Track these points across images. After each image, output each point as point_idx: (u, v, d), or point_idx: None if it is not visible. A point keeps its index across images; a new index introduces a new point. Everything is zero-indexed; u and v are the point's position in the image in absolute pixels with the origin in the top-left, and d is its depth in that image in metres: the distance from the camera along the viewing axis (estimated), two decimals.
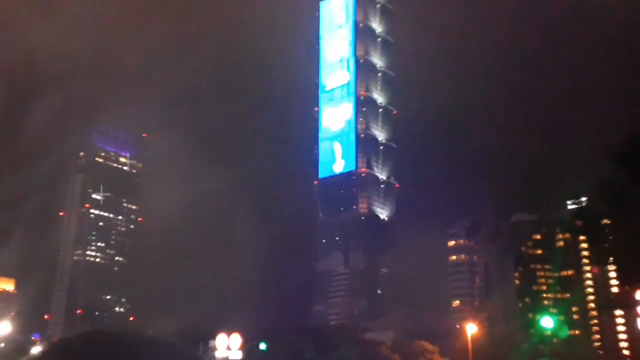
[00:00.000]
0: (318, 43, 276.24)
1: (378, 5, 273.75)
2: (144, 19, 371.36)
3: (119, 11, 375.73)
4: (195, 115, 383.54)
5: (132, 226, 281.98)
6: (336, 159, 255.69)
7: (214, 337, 52.84)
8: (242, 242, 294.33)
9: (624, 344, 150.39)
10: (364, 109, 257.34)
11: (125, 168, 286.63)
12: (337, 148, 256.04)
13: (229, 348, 50.17)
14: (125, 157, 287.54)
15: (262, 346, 72.42)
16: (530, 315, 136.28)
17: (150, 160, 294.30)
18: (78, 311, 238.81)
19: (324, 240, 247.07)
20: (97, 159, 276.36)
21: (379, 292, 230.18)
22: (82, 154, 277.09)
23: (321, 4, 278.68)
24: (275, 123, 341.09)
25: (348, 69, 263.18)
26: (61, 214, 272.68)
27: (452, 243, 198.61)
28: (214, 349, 49.75)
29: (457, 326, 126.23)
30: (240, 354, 51.39)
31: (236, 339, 51.02)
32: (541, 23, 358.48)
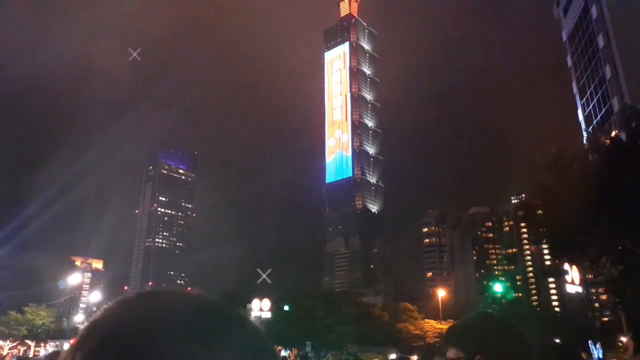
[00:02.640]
0: (324, 82, 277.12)
1: (367, 54, 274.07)
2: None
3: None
4: (232, 138, 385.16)
5: (188, 220, 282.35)
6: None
7: (250, 302, 52.44)
8: (268, 229, 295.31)
9: (555, 303, 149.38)
10: (358, 131, 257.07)
11: (182, 177, 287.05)
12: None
13: (261, 309, 49.99)
14: (182, 169, 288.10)
15: (286, 308, 72.17)
16: (485, 282, 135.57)
17: (200, 172, 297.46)
18: (150, 283, 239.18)
19: (330, 229, 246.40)
20: (162, 171, 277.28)
21: (371, 267, 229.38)
22: (150, 167, 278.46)
23: (325, 54, 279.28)
24: (292, 141, 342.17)
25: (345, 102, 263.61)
26: (136, 211, 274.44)
27: (425, 230, 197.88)
28: (250, 310, 49.44)
29: (431, 291, 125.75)
30: (270, 314, 51.28)
31: (266, 303, 50.83)
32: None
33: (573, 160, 29.51)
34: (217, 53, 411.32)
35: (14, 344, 78.69)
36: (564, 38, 74.81)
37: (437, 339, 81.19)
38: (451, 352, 2.00)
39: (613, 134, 35.57)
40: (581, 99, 68.94)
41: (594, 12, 62.55)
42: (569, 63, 73.61)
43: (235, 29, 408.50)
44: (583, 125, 66.47)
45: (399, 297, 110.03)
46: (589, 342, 20.14)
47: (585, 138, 34.53)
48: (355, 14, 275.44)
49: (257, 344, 0.77)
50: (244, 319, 0.80)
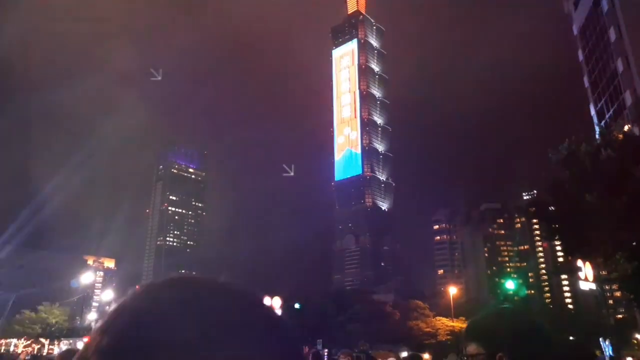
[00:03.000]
0: (332, 80, 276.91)
1: (375, 51, 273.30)
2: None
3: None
4: (241, 136, 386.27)
5: (199, 219, 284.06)
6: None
7: None
8: (278, 227, 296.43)
9: (568, 300, 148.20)
10: (367, 128, 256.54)
11: (192, 176, 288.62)
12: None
13: (272, 307, 50.11)
14: (192, 168, 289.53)
15: (297, 306, 72.25)
16: (497, 279, 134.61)
17: (210, 170, 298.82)
18: None
19: (340, 227, 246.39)
20: (172, 170, 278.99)
21: (382, 264, 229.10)
22: (161, 167, 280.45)
23: (333, 51, 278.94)
24: (301, 138, 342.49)
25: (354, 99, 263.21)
26: (147, 211, 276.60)
27: (436, 227, 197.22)
28: None
29: (442, 289, 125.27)
30: (280, 312, 51.31)
31: (277, 301, 50.89)
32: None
33: (585, 156, 29.24)
34: (222, 52, 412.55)
35: (28, 342, 79.87)
36: (575, 32, 74.03)
37: (448, 337, 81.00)
38: (471, 348, 2.04)
39: (626, 128, 35.16)
40: (593, 93, 68.23)
41: (604, 5, 61.84)
42: (580, 57, 72.86)
43: (241, 27, 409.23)
44: (595, 120, 65.87)
45: (410, 294, 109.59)
46: (600, 339, 20.04)
47: (597, 133, 34.15)
48: (363, 10, 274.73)
49: (282, 331, 0.79)
50: (268, 308, 0.82)
